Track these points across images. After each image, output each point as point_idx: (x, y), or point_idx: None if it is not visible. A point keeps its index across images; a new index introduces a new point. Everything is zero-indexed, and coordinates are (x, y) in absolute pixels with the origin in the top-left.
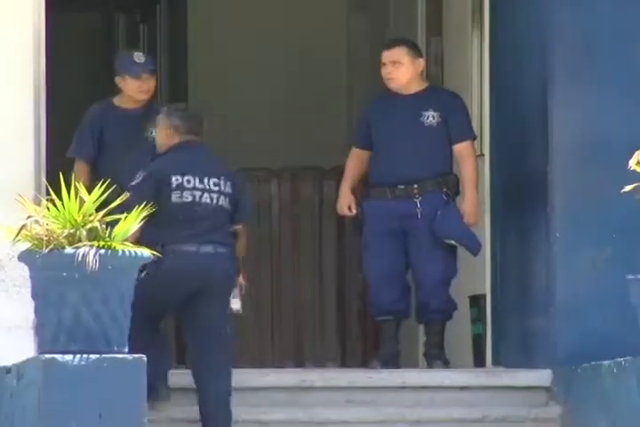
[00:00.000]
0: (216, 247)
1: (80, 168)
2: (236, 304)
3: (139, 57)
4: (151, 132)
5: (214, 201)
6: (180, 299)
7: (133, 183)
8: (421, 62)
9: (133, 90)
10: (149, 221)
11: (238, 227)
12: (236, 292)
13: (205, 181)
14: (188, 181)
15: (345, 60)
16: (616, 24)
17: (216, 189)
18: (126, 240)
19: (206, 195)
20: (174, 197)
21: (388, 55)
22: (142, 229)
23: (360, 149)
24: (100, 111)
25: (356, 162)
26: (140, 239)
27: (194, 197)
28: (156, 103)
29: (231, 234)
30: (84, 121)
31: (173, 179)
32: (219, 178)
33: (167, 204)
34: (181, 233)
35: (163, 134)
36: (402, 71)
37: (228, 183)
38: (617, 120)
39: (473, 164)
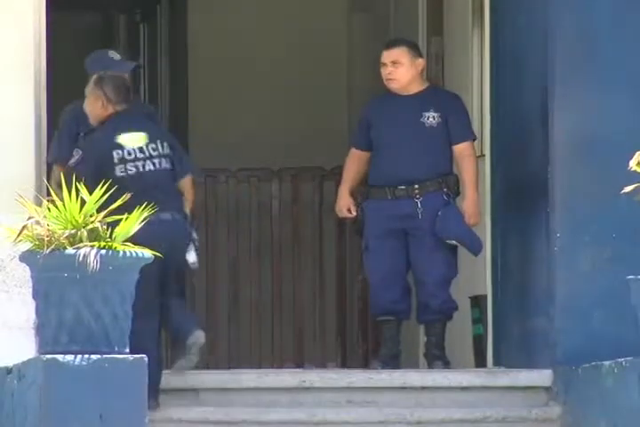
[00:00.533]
0: (173, 214)
1: (60, 172)
2: (191, 257)
3: (115, 55)
4: None
5: (157, 166)
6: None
7: (72, 162)
8: (421, 62)
9: None
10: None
11: (184, 181)
12: (191, 246)
13: (144, 148)
14: (129, 153)
15: (345, 60)
16: (616, 24)
17: (156, 153)
18: (126, 241)
19: (149, 162)
20: (118, 171)
21: (387, 55)
22: None
23: (360, 151)
24: (75, 114)
25: (355, 163)
26: None
27: (137, 168)
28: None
29: (181, 196)
30: (59, 126)
31: (114, 153)
32: (155, 142)
33: (112, 179)
34: (136, 204)
35: (96, 105)
36: (402, 71)
37: (165, 144)
38: (617, 120)
39: (473, 164)
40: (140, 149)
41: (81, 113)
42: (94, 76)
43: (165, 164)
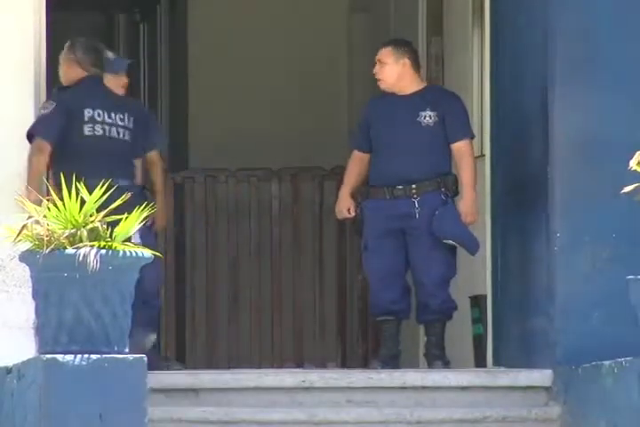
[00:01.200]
0: (129, 182)
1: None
2: (135, 238)
3: (110, 54)
4: None
5: (121, 135)
6: None
7: (46, 112)
8: (407, 62)
9: (114, 86)
10: (60, 155)
11: (151, 155)
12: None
13: (113, 115)
14: (99, 115)
15: (345, 60)
16: (616, 24)
17: (122, 124)
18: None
19: (114, 129)
20: (86, 130)
21: (377, 55)
22: (51, 163)
23: (361, 152)
24: None
25: (357, 165)
26: (45, 173)
27: (104, 130)
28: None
29: (133, 173)
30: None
31: (86, 111)
32: (123, 113)
33: (79, 137)
34: (95, 166)
35: (70, 70)
36: (386, 71)
37: (131, 119)
38: (617, 120)
39: (470, 163)
40: (109, 115)
41: None
42: (67, 43)
43: (128, 136)
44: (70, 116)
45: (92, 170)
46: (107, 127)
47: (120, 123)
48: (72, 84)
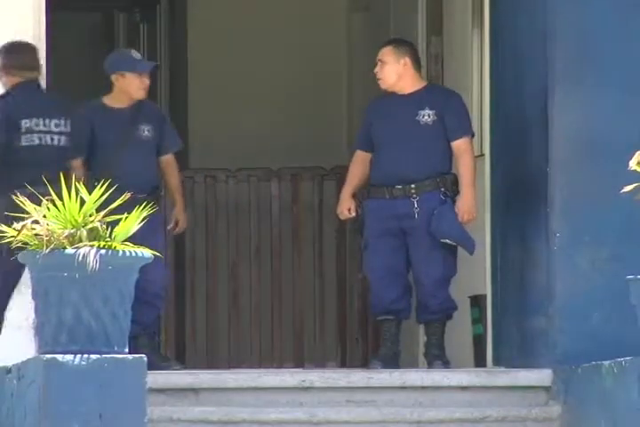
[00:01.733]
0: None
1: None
2: None
3: (136, 54)
4: (143, 131)
5: (55, 142)
6: None
7: None
8: (407, 61)
9: (135, 87)
10: None
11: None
12: None
13: (47, 122)
14: (36, 124)
15: (345, 60)
16: (616, 24)
17: (57, 130)
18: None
19: (49, 136)
20: (24, 140)
21: (378, 55)
22: None
23: (364, 152)
24: (90, 112)
25: (360, 166)
26: None
27: (40, 139)
28: (144, 101)
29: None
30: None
31: (23, 122)
32: (59, 118)
33: (16, 148)
34: (33, 176)
35: (8, 76)
36: (386, 70)
37: (68, 122)
38: (617, 120)
39: (470, 161)
40: (44, 122)
41: (94, 112)
42: (1, 47)
43: (65, 142)
44: (10, 127)
45: (33, 181)
46: (42, 135)
47: (55, 129)
48: (10, 89)
